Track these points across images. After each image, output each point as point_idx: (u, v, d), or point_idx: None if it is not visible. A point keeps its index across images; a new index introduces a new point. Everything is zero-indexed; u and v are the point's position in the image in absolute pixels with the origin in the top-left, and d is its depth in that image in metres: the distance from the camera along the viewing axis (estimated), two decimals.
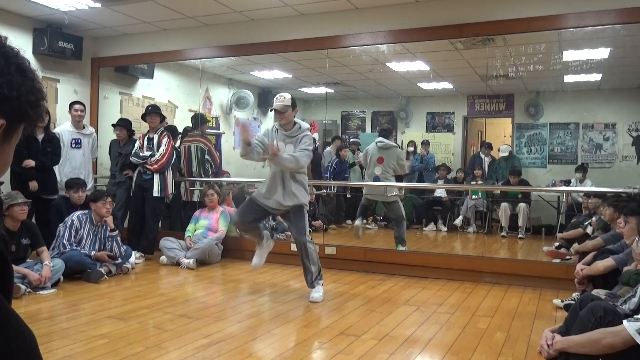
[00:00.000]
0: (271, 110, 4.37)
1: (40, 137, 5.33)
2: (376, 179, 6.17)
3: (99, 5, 5.66)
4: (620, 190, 4.99)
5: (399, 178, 6.63)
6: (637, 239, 2.28)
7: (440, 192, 8.65)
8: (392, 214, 6.21)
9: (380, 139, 6.28)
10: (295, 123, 4.23)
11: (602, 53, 6.58)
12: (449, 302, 4.26)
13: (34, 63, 6.30)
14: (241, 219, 4.28)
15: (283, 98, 4.14)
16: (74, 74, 6.89)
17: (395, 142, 6.40)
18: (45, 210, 5.31)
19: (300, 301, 4.22)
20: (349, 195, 8.84)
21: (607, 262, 3.49)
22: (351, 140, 10.02)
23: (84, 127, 6.15)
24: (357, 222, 6.29)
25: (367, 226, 8.71)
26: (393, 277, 5.17)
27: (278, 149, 3.99)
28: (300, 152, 4.08)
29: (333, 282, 4.89)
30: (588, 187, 7.54)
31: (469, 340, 3.28)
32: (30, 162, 5.15)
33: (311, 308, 4.02)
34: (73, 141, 5.98)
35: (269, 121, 10.24)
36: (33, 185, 5.16)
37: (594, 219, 5.55)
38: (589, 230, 5.48)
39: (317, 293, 4.20)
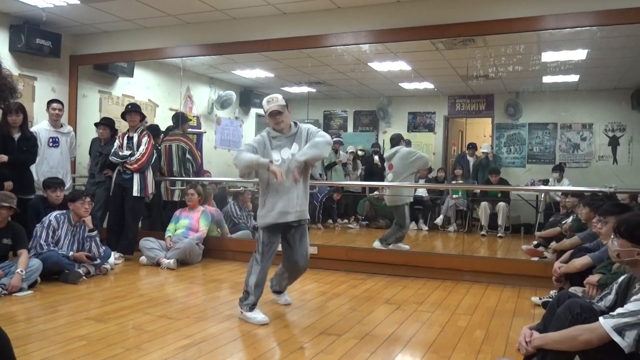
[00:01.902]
0: (263, 116, 3.85)
1: (16, 136, 5.23)
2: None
3: (77, 2, 5.58)
4: (597, 189, 5.08)
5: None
6: (612, 237, 2.32)
7: (422, 192, 8.70)
8: (396, 217, 6.30)
9: (391, 149, 6.43)
10: (290, 124, 3.75)
11: (579, 54, 6.69)
12: (430, 301, 4.29)
13: (10, 60, 6.22)
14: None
15: (277, 99, 3.67)
16: (52, 72, 6.78)
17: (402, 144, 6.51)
18: (22, 210, 5.19)
19: None
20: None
21: (584, 260, 3.55)
22: (334, 139, 10.01)
23: (61, 126, 6.04)
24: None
25: (349, 225, 8.75)
26: (374, 276, 5.19)
27: (296, 173, 3.56)
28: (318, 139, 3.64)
29: (315, 282, 4.90)
30: (566, 187, 7.66)
31: (449, 339, 3.31)
32: (3, 157, 5.03)
33: (292, 308, 4.02)
34: (50, 140, 5.88)
35: (250, 120, 10.21)
36: (8, 185, 5.06)
37: (569, 220, 5.64)
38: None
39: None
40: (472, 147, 9.14)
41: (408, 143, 9.32)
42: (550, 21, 4.84)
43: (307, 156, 3.58)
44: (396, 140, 6.51)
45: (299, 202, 3.67)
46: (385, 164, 6.42)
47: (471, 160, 9.02)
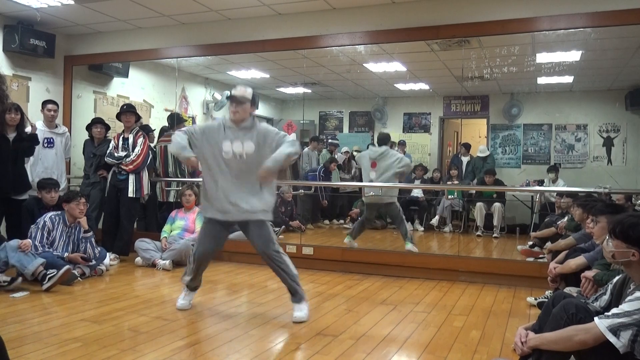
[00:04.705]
0: (227, 99, 3.77)
1: (11, 136, 5.19)
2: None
3: (71, 2, 5.56)
4: (591, 190, 5.10)
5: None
6: (607, 238, 2.33)
7: (417, 192, 8.72)
8: (391, 216, 6.33)
9: (373, 147, 6.38)
10: (246, 118, 3.64)
11: (573, 55, 6.72)
12: (426, 301, 4.30)
13: (4, 61, 6.19)
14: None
15: (244, 90, 3.61)
16: (46, 72, 6.76)
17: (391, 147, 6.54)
18: (16, 211, 5.18)
19: (277, 302, 4.21)
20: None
21: (579, 260, 3.57)
22: (329, 141, 10.03)
23: (56, 127, 6.03)
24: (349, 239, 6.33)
25: (345, 226, 8.74)
26: (370, 277, 5.20)
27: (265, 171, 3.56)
28: (287, 143, 3.58)
29: (311, 282, 4.90)
30: (560, 187, 7.69)
31: (445, 339, 3.31)
32: None
33: (288, 309, 4.01)
34: (45, 140, 5.85)
35: None
36: None
37: (565, 219, 5.67)
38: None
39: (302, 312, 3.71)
40: (466, 146, 9.16)
41: (403, 144, 9.39)
42: (545, 22, 4.87)
43: (279, 164, 3.55)
44: (385, 140, 6.40)
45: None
46: (367, 162, 6.30)
47: (464, 159, 9.05)
